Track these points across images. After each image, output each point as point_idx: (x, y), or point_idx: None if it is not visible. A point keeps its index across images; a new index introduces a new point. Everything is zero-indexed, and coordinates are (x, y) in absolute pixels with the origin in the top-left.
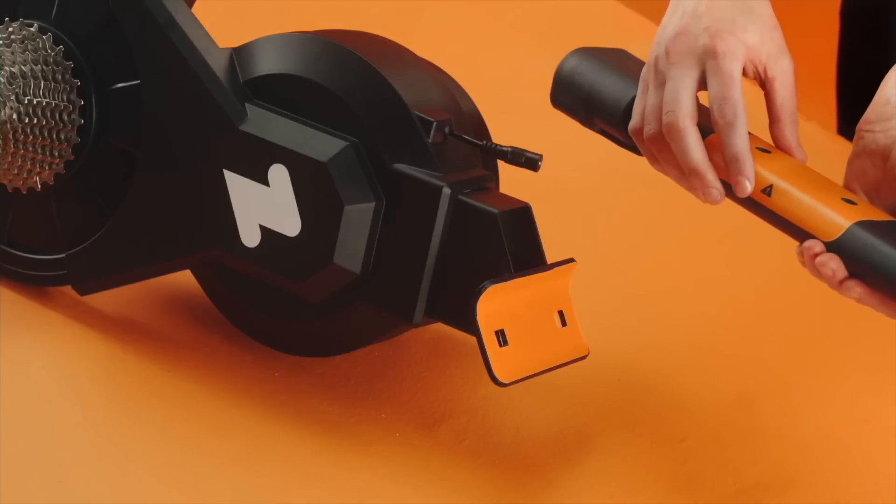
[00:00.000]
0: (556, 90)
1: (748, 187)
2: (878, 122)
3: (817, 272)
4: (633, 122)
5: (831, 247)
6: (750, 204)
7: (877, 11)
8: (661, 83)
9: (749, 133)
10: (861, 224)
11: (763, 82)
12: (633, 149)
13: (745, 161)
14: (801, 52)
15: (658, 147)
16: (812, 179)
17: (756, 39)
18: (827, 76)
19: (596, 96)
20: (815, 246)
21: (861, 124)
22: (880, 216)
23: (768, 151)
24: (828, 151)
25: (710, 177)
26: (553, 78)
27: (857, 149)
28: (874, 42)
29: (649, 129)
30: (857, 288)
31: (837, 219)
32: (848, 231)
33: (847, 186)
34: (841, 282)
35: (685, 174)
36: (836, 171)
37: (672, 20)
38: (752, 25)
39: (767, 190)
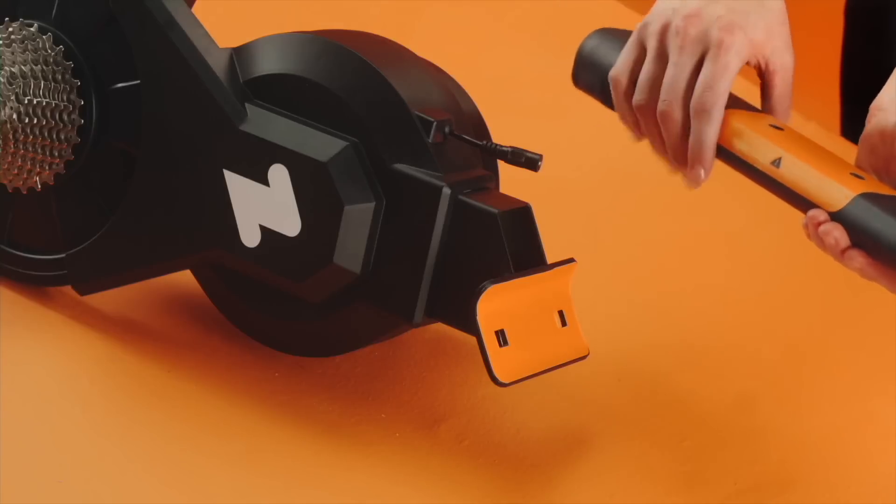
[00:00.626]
0: (578, 69)
1: (702, 177)
2: (891, 102)
3: (820, 241)
4: (616, 71)
5: (835, 216)
6: (759, 176)
7: (877, 11)
8: (660, 56)
9: (761, 111)
10: (865, 196)
11: (763, 73)
12: None
13: (707, 151)
14: (804, 52)
15: (644, 118)
16: (821, 154)
17: (763, 36)
18: (828, 76)
19: None
20: (819, 215)
21: (874, 105)
22: (886, 191)
23: (781, 129)
24: None
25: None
26: (574, 57)
27: (869, 128)
28: (875, 42)
29: (639, 98)
30: (858, 258)
31: (843, 190)
32: (852, 201)
33: (858, 165)
34: (843, 251)
35: (670, 156)
36: None
37: None
38: (763, 21)
39: (776, 162)
